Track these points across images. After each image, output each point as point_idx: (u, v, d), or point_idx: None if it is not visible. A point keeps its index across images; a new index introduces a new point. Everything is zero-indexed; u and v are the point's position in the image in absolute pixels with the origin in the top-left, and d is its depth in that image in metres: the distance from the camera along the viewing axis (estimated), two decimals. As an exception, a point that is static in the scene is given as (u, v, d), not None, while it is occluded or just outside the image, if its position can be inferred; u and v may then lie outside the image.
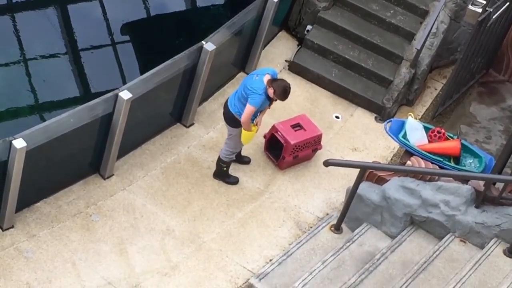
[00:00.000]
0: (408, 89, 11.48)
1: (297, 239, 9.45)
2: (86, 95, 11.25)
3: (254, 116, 9.31)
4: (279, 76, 9.51)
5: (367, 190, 9.32)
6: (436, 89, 11.95)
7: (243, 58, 11.21)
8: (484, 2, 9.86)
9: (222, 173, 9.89)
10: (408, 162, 9.49)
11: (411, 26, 11.62)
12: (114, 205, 9.40)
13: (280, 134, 10.14)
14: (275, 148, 10.24)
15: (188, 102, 10.28)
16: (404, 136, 9.93)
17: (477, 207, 8.99)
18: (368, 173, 9.41)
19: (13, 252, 8.71)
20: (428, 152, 9.77)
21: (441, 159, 9.73)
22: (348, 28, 11.65)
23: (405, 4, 11.76)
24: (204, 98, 10.66)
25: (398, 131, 10.03)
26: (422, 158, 9.58)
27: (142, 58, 11.99)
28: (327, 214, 9.90)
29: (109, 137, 9.31)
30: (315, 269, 8.72)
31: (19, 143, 8.26)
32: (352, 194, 9.09)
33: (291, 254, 9.15)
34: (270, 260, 9.21)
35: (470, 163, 9.91)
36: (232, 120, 9.44)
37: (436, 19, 11.03)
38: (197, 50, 9.81)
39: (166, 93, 10.01)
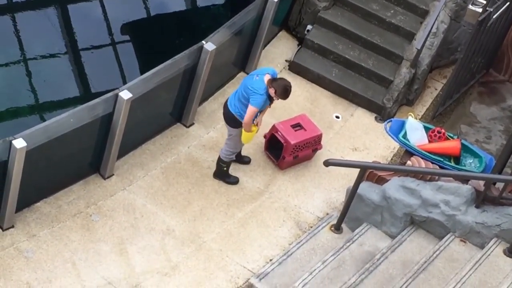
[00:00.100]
0: (408, 89, 11.48)
1: (297, 239, 9.45)
2: (86, 95, 11.25)
3: (255, 116, 9.31)
4: (279, 76, 9.51)
5: (367, 190, 9.31)
6: (436, 89, 11.95)
7: (243, 58, 11.21)
8: (484, 2, 9.86)
9: (222, 173, 9.88)
10: (408, 162, 9.49)
11: (411, 26, 11.62)
12: (114, 205, 9.40)
13: (280, 134, 10.14)
14: (275, 148, 10.24)
15: (188, 102, 10.28)
16: (404, 136, 9.93)
17: (477, 207, 8.99)
18: (368, 173, 9.41)
19: (13, 252, 8.71)
20: (428, 152, 9.76)
21: (441, 159, 9.72)
22: (348, 28, 11.64)
23: (405, 4, 11.75)
24: (204, 98, 10.66)
25: (398, 131, 10.03)
26: (422, 158, 9.58)
27: (142, 58, 11.99)
28: (327, 214, 9.90)
29: (109, 137, 9.31)
30: (315, 269, 8.72)
31: (19, 143, 8.26)
32: (352, 194, 9.09)
33: (291, 254, 9.15)
34: (270, 260, 9.21)
35: (470, 163, 9.91)
36: (232, 121, 9.44)
37: (436, 19, 11.03)
38: (197, 50, 9.81)
39: (166, 93, 10.01)
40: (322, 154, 10.48)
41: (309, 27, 11.78)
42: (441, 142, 9.91)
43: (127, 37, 12.22)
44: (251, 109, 9.14)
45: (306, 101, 11.25)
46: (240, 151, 10.00)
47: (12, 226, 8.91)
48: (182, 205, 9.60)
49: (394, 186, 9.17)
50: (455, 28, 11.66)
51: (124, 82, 10.87)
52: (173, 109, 10.32)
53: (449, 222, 9.00)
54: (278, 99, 9.28)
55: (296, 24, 11.97)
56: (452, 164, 9.80)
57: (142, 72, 9.77)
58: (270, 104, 9.40)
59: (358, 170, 8.94)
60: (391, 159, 10.83)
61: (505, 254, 8.78)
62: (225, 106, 9.50)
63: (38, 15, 12.02)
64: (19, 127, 8.92)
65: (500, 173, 9.07)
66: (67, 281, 8.58)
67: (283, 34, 12.05)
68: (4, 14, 11.86)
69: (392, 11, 11.75)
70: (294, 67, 11.59)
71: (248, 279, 8.98)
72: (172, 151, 10.14)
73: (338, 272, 8.76)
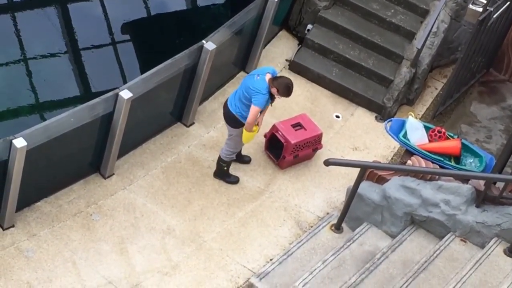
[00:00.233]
0: (409, 89, 11.48)
1: (298, 239, 9.45)
2: (87, 94, 11.25)
3: (256, 115, 9.32)
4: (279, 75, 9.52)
5: (368, 189, 9.31)
6: (436, 89, 11.95)
7: (243, 58, 11.21)
8: (485, 2, 9.86)
9: (223, 173, 9.88)
10: (409, 162, 9.49)
11: (411, 26, 11.62)
12: (115, 205, 9.40)
13: (280, 133, 10.14)
14: (275, 147, 10.24)
15: (189, 101, 10.28)
16: (405, 135, 9.93)
17: (477, 206, 8.99)
18: (369, 172, 9.41)
19: (14, 252, 8.71)
20: (429, 152, 9.76)
21: (442, 159, 9.72)
22: (348, 27, 11.64)
23: (405, 4, 11.75)
24: (205, 98, 10.66)
25: (398, 131, 10.02)
26: (422, 158, 9.58)
27: (142, 57, 11.99)
28: (328, 213, 9.90)
29: (110, 137, 9.31)
30: (315, 269, 8.72)
31: (19, 142, 8.26)
32: (352, 193, 9.09)
33: (291, 253, 9.15)
34: (271, 260, 9.21)
35: (470, 162, 9.91)
36: (233, 121, 9.44)
37: (436, 19, 11.03)
38: (197, 50, 9.81)
39: (167, 92, 10.01)
40: (323, 154, 10.48)
41: (309, 26, 11.78)
42: (441, 141, 9.91)
43: (127, 37, 12.22)
44: (254, 109, 9.14)
45: (307, 101, 11.25)
46: (241, 151, 10.00)
47: (13, 226, 8.91)
48: (182, 204, 9.60)
49: (395, 186, 9.17)
50: (455, 28, 11.66)
51: (125, 82, 10.87)
52: (174, 108, 10.32)
53: (449, 222, 9.00)
54: (280, 97, 9.29)
55: (297, 24, 11.97)
56: (453, 163, 9.80)
57: (142, 72, 9.77)
58: (271, 103, 9.40)
59: (358, 169, 8.94)
60: (392, 158, 10.83)
61: (505, 253, 8.78)
62: (225, 106, 9.50)
63: (38, 15, 12.02)
64: (19, 126, 8.92)
65: (500, 172, 9.07)
66: (67, 280, 8.59)
67: (283, 33, 12.05)
68: (4, 14, 11.85)
69: (392, 11, 11.75)
70: (294, 66, 11.59)
71: (249, 278, 8.98)
72: (172, 151, 10.14)
73: (339, 271, 8.76)
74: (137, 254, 8.99)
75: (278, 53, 11.76)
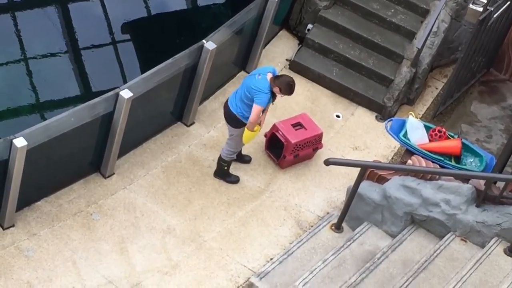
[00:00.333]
0: (409, 88, 11.48)
1: (298, 238, 9.45)
2: (87, 94, 11.25)
3: (257, 115, 9.33)
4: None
5: (368, 189, 9.31)
6: (437, 88, 11.95)
7: (243, 57, 11.21)
8: (485, 1, 9.86)
9: (223, 172, 9.88)
10: (409, 161, 9.49)
11: (412, 25, 11.62)
12: (115, 204, 9.40)
13: (280, 133, 10.14)
14: (275, 147, 10.24)
15: (189, 101, 10.28)
16: (405, 135, 9.93)
17: (477, 206, 8.99)
18: (369, 172, 9.41)
19: (14, 251, 8.71)
20: (429, 151, 9.76)
21: (442, 158, 9.72)
22: (349, 27, 11.64)
23: (405, 3, 11.75)
24: (205, 97, 10.66)
25: (399, 130, 10.02)
26: (422, 157, 9.58)
27: (142, 57, 11.99)
28: (328, 213, 9.90)
29: (110, 136, 9.31)
30: (315, 268, 8.72)
31: (19, 142, 8.26)
32: (352, 193, 9.09)
33: (291, 253, 9.15)
34: (271, 259, 9.21)
35: (470, 162, 9.91)
36: (233, 121, 9.44)
37: (437, 18, 11.03)
38: (197, 49, 9.81)
39: (167, 92, 10.01)
40: (323, 153, 10.48)
41: (309, 26, 11.78)
42: (441, 141, 9.91)
43: (127, 36, 12.22)
44: (256, 108, 9.15)
45: (307, 100, 11.25)
46: (241, 150, 10.00)
47: (13, 225, 8.91)
48: (182, 204, 9.60)
49: (395, 185, 9.17)
50: (455, 27, 11.66)
51: (125, 81, 10.87)
52: (174, 108, 10.32)
53: (449, 221, 9.00)
54: (283, 96, 9.29)
55: (297, 23, 11.97)
56: (453, 163, 9.79)
57: (142, 71, 9.78)
58: (273, 101, 9.40)
59: (358, 169, 8.94)
60: (392, 158, 10.83)
61: (505, 253, 8.78)
62: (226, 106, 9.50)
63: (38, 14, 12.02)
64: (19, 126, 8.92)
65: (500, 172, 9.07)
66: (67, 280, 8.59)
67: (283, 33, 12.05)
68: (4, 13, 11.85)
69: (392, 10, 11.75)
70: (294, 66, 11.59)
71: (249, 278, 8.98)
72: (172, 150, 10.14)
73: (339, 271, 8.76)
74: (137, 253, 8.99)
75: (278, 52, 11.76)
